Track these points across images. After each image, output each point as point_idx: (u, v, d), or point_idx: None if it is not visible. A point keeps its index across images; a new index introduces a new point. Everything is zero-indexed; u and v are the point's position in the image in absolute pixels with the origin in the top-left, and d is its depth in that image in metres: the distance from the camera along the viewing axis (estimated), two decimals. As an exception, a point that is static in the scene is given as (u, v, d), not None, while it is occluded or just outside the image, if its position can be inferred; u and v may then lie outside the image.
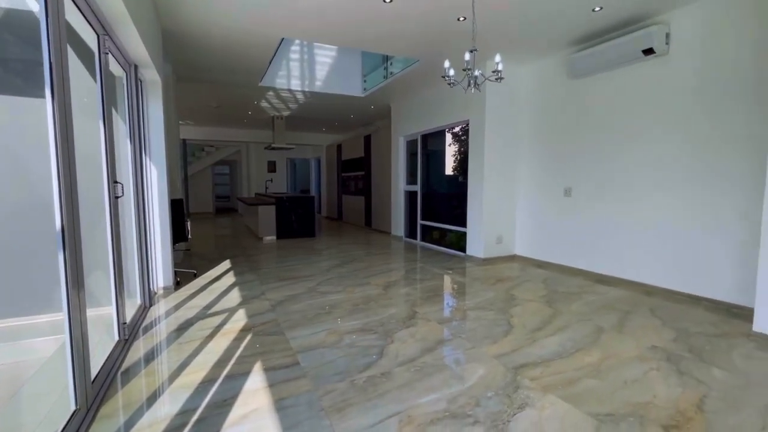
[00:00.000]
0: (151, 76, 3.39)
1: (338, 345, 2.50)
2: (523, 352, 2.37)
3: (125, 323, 2.47)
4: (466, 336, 2.65)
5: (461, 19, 3.59)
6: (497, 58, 2.91)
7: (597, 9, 3.41)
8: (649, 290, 3.67)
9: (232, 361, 2.26)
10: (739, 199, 3.07)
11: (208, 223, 10.36)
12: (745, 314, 2.91)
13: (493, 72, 2.89)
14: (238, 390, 1.95)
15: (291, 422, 1.69)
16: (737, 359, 2.29)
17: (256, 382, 2.03)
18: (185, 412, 1.76)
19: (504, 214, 5.26)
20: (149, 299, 3.26)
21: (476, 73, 2.99)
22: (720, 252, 3.21)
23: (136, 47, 2.74)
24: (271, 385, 2.00)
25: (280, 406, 1.81)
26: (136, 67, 3.08)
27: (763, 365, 2.22)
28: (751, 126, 2.98)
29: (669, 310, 3.13)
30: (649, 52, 3.50)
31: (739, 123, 3.06)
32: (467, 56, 2.89)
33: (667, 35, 3.45)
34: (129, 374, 2.14)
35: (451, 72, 3.02)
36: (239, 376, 2.09)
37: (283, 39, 4.20)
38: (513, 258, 5.31)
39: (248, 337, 2.62)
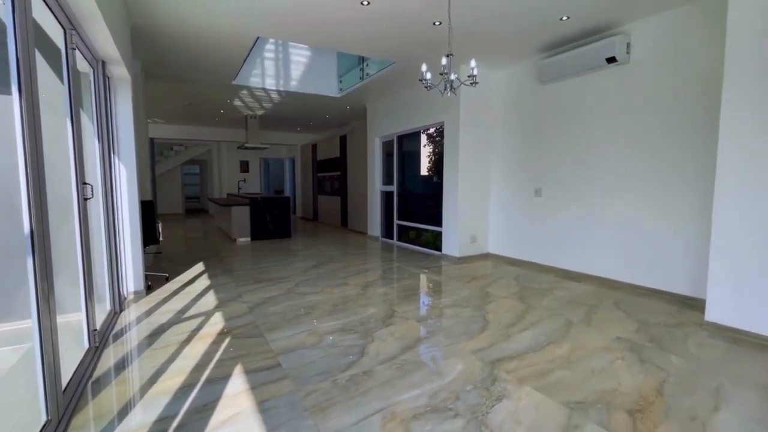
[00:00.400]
0: (120, 72, 3.26)
1: (319, 345, 2.51)
2: (499, 347, 2.47)
3: (95, 330, 2.37)
4: (444, 333, 2.73)
5: (437, 23, 3.67)
6: (472, 63, 3.00)
7: (564, 18, 3.58)
8: (613, 285, 3.89)
9: (211, 365, 2.23)
10: (692, 200, 3.32)
11: (179, 225, 10.02)
12: (698, 305, 3.14)
13: (469, 76, 2.98)
14: (219, 394, 1.92)
15: (275, 423, 1.69)
16: (692, 347, 2.48)
17: (237, 385, 2.01)
18: (165, 419, 1.72)
19: (478, 214, 5.41)
20: (119, 304, 3.14)
21: (452, 77, 3.07)
22: (676, 248, 3.45)
23: (105, 43, 2.63)
24: (253, 387, 1.99)
25: (263, 408, 1.81)
26: (103, 63, 2.96)
27: (714, 351, 2.42)
28: (702, 131, 3.22)
29: (631, 303, 3.34)
30: (611, 60, 3.71)
31: (692, 128, 3.30)
32: (444, 61, 2.97)
33: (628, 45, 3.68)
34: (102, 382, 2.07)
35: (428, 75, 3.09)
36: (219, 379, 2.07)
37: (258, 38, 4.15)
38: (486, 256, 5.46)
39: (227, 341, 2.58)
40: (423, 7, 3.33)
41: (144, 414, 1.77)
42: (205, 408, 1.81)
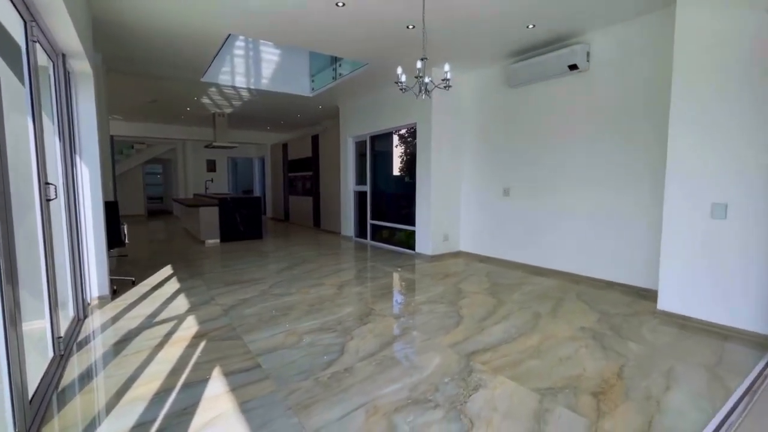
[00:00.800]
0: (82, 67, 3.11)
1: (298, 345, 2.52)
2: (474, 340, 2.58)
3: (60, 337, 2.26)
4: (420, 329, 2.81)
5: (410, 27, 3.75)
6: (446, 67, 3.10)
7: (530, 26, 3.76)
8: (576, 279, 4.14)
9: (188, 369, 2.18)
10: (646, 198, 3.59)
11: (142, 227, 9.57)
12: (651, 296, 3.41)
13: (443, 80, 3.07)
14: (198, 397, 1.90)
15: (258, 423, 1.69)
16: (646, 333, 2.70)
17: (217, 387, 1.99)
18: (142, 425, 1.68)
19: (450, 213, 5.56)
20: (83, 310, 2.99)
21: (426, 80, 3.16)
22: (631, 244, 3.72)
23: (67, 35, 2.51)
24: (234, 389, 1.97)
25: (246, 408, 1.81)
26: (64, 56, 2.81)
27: (665, 337, 2.65)
28: (655, 133, 3.49)
29: (593, 296, 3.57)
30: (573, 67, 3.94)
31: (646, 131, 3.57)
32: (419, 64, 3.05)
33: (588, 53, 3.92)
34: (71, 391, 1.98)
35: (403, 78, 3.16)
36: (198, 383, 2.03)
37: (229, 35, 4.06)
38: (458, 254, 5.63)
39: (203, 344, 2.53)
40: (397, 10, 3.40)
41: (120, 421, 1.71)
42: (184, 412, 1.78)
